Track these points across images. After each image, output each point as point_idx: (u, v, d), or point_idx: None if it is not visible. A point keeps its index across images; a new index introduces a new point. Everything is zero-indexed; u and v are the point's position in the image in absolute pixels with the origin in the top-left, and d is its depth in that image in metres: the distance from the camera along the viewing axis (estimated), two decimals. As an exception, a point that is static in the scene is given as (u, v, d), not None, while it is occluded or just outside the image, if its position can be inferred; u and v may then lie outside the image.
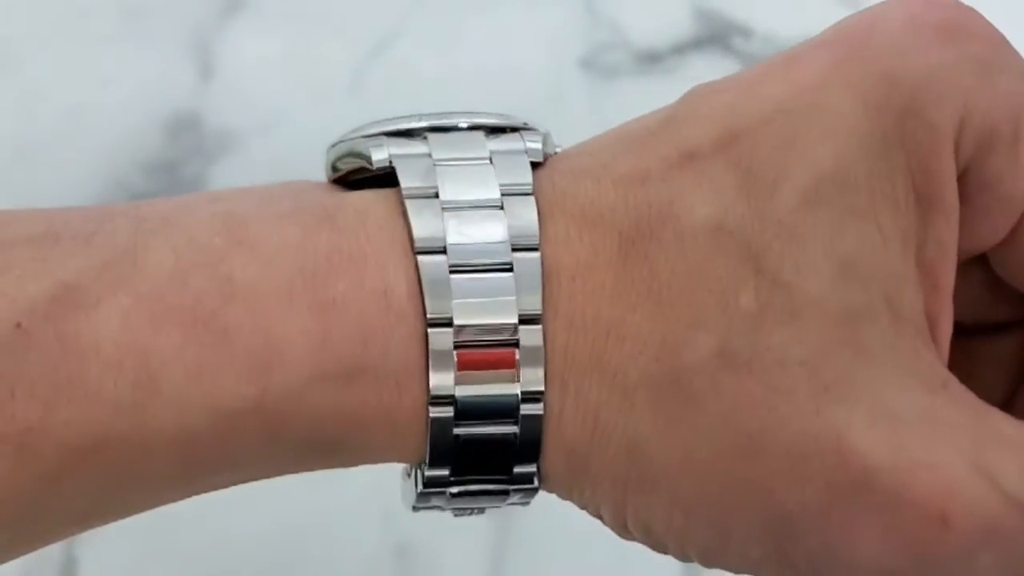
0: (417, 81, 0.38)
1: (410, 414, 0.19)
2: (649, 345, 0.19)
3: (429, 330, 0.19)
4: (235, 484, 0.20)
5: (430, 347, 0.19)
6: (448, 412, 0.19)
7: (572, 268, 0.20)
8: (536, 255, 0.19)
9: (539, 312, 0.19)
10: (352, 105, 0.38)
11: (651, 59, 0.40)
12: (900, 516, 0.18)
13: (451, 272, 0.19)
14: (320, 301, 0.19)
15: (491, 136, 0.21)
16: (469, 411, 0.19)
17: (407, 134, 0.20)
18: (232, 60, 0.38)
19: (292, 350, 0.19)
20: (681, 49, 0.40)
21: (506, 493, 0.20)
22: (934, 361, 0.19)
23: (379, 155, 0.20)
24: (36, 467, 0.18)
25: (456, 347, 0.19)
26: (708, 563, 0.20)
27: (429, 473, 0.20)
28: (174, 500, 0.20)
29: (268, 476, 0.20)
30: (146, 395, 0.18)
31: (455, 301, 0.19)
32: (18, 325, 0.18)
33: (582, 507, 0.21)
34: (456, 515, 0.22)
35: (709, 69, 0.20)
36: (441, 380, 0.19)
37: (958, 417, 0.19)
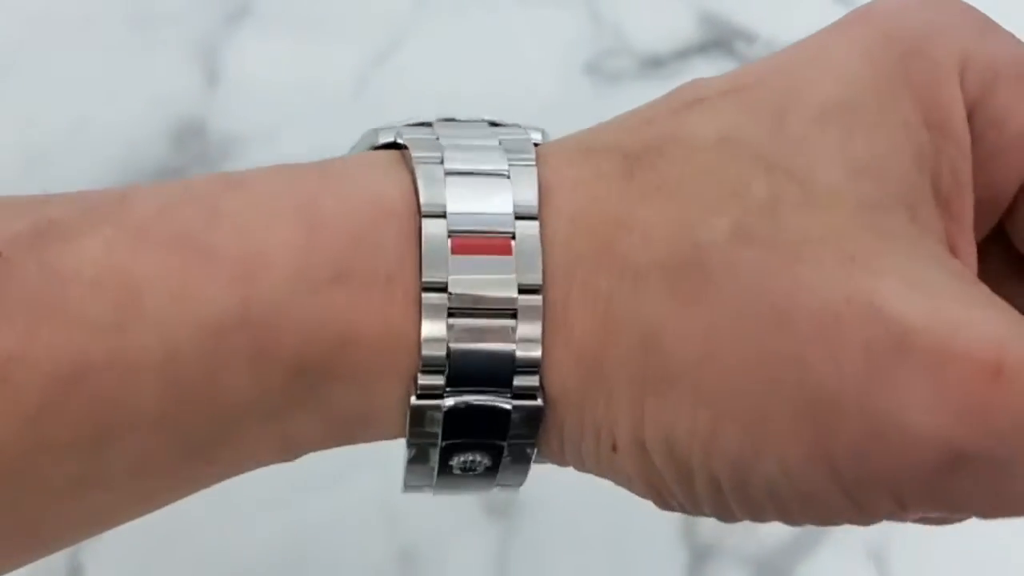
0: (421, 87, 0.38)
1: (402, 308, 0.18)
2: (660, 231, 0.18)
3: (423, 220, 0.19)
4: (229, 443, 0.19)
5: (423, 234, 0.18)
6: (442, 299, 0.18)
7: (573, 179, 0.19)
8: (533, 166, 0.19)
9: (535, 206, 0.19)
10: (356, 111, 0.38)
11: (655, 64, 0.40)
12: (950, 374, 0.16)
13: (446, 175, 0.19)
14: (308, 214, 0.19)
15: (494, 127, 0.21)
16: (463, 299, 0.18)
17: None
18: (237, 67, 0.38)
19: (277, 256, 0.18)
20: (685, 54, 0.40)
21: (507, 419, 0.19)
22: (960, 265, 0.18)
23: (386, 136, 0.20)
24: (20, 402, 0.17)
25: (450, 235, 0.18)
26: (738, 487, 0.18)
27: (423, 380, 0.19)
28: (166, 466, 0.19)
29: (261, 425, 0.19)
30: (128, 315, 0.18)
31: (449, 191, 0.19)
32: (3, 258, 0.18)
33: (596, 437, 0.19)
34: (456, 474, 0.20)
35: (713, 74, 0.20)
36: (435, 255, 0.18)
37: (991, 295, 0.18)
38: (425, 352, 0.18)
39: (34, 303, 0.17)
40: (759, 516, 0.19)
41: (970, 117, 0.19)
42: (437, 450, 0.19)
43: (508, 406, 0.19)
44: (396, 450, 0.20)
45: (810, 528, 0.37)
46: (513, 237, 0.19)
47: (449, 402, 0.19)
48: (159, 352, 0.18)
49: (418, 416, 0.19)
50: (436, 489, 0.21)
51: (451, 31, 0.39)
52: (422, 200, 0.19)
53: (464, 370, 0.19)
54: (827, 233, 0.18)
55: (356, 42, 0.39)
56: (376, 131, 0.20)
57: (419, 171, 0.19)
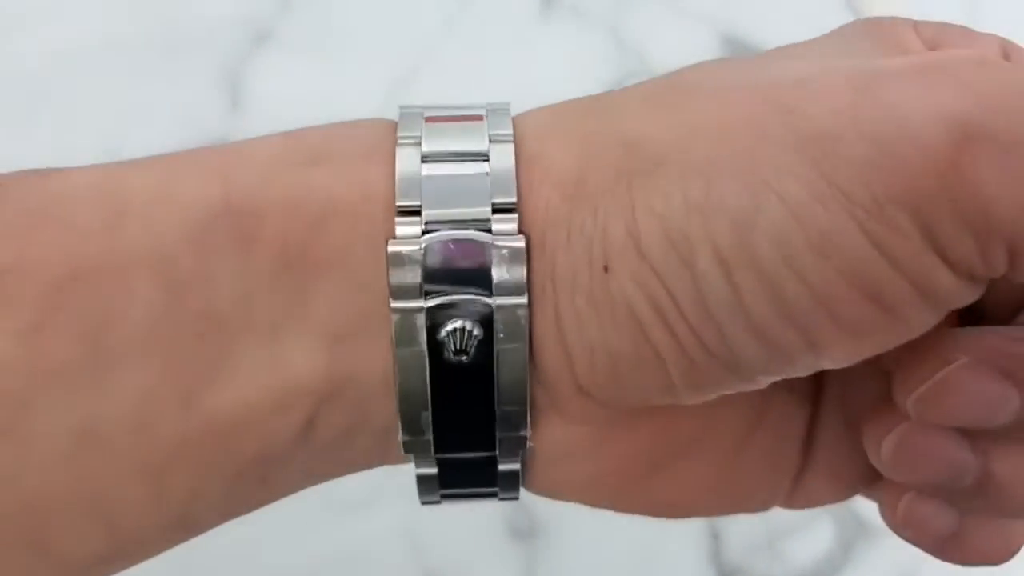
0: (444, 110, 0.39)
1: (379, 173, 0.18)
2: (638, 87, 0.19)
3: (401, 111, 0.19)
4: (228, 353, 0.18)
5: (400, 114, 0.19)
6: (416, 149, 0.18)
7: (548, 106, 0.20)
8: (507, 104, 0.20)
9: (507, 106, 0.19)
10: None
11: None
12: (938, 68, 0.17)
13: (425, 120, 0.19)
14: (287, 133, 0.19)
15: None
16: (435, 145, 0.18)
17: None
18: (261, 91, 0.39)
19: (255, 151, 0.19)
20: (707, 75, 0.40)
21: (488, 255, 0.18)
22: None
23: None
24: (18, 314, 0.17)
25: (425, 118, 0.19)
26: (744, 252, 0.17)
27: (401, 230, 0.18)
28: (164, 410, 0.18)
29: (254, 348, 0.18)
30: (117, 218, 0.18)
31: (428, 108, 0.19)
32: None
33: (588, 262, 0.18)
34: (450, 363, 0.18)
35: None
36: (409, 123, 0.19)
37: None
38: (399, 200, 0.18)
39: (28, 218, 0.18)
40: (782, 305, 0.17)
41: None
42: (423, 313, 0.18)
43: (488, 239, 0.18)
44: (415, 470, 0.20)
45: (839, 550, 0.36)
46: (485, 116, 0.19)
47: (427, 239, 0.18)
48: (148, 246, 0.18)
49: (399, 264, 0.18)
50: (434, 417, 0.19)
51: (474, 53, 0.40)
52: (400, 108, 0.19)
53: (440, 214, 0.18)
54: (798, 57, 0.19)
55: (379, 64, 0.39)
56: None
57: (400, 112, 0.20)
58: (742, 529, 0.36)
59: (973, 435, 0.19)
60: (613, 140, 0.18)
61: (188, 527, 0.19)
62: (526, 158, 0.18)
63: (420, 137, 0.19)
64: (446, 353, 0.18)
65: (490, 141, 0.19)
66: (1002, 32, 0.20)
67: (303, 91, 0.39)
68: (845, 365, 0.18)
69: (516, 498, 0.21)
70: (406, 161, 0.18)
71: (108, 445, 0.18)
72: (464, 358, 0.18)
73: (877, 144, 0.16)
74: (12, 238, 0.17)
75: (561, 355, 0.18)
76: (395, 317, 0.18)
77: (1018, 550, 0.21)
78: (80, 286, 0.17)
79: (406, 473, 0.20)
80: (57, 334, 0.17)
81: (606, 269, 0.18)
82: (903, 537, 0.21)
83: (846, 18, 0.41)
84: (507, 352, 0.18)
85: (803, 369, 0.18)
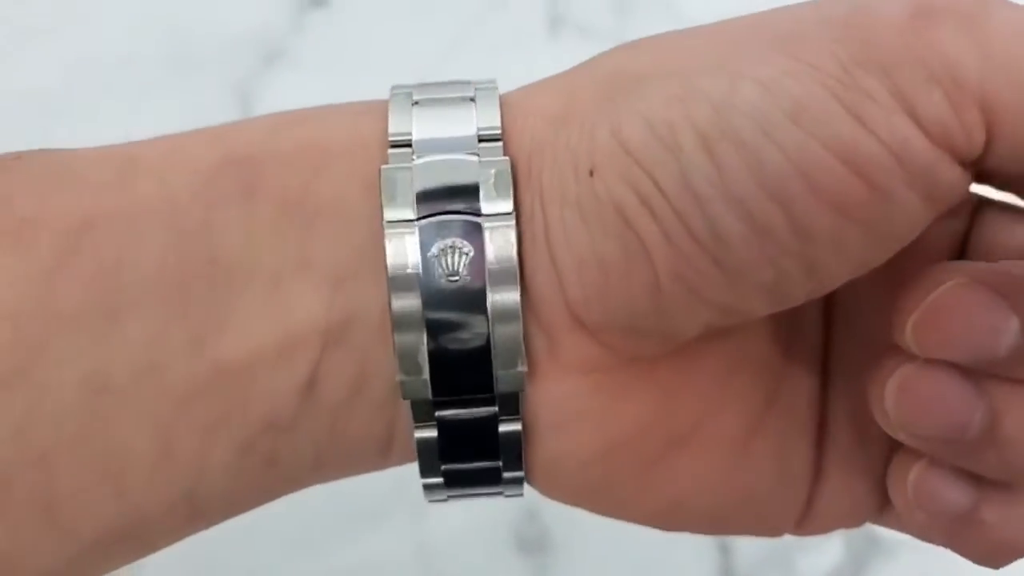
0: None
1: (372, 124, 0.19)
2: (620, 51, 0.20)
3: (391, 90, 0.20)
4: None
5: (391, 94, 0.20)
6: (407, 94, 0.20)
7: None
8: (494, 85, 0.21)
9: (493, 81, 0.20)
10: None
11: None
12: None
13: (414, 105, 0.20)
14: (281, 113, 0.20)
15: None
16: (426, 92, 0.20)
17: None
18: (272, 108, 0.39)
19: (254, 121, 0.20)
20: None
21: (475, 174, 0.19)
22: None
23: None
24: (34, 261, 0.18)
25: (415, 87, 0.20)
26: (728, 127, 0.17)
27: (392, 152, 0.19)
28: (172, 359, 0.18)
29: (259, 302, 0.18)
30: (128, 173, 0.19)
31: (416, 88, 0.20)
32: (18, 157, 0.19)
33: (574, 168, 0.18)
34: (442, 285, 0.18)
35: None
36: (400, 89, 0.20)
37: None
38: (391, 132, 0.19)
39: (48, 179, 0.19)
40: (765, 178, 0.17)
41: None
42: (415, 233, 0.18)
43: (475, 158, 0.19)
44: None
45: (850, 565, 0.36)
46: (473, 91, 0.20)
47: (418, 160, 0.19)
48: (159, 198, 0.19)
49: (390, 187, 0.18)
50: (431, 353, 0.19)
51: (483, 71, 0.40)
52: (391, 89, 0.20)
53: (429, 143, 0.19)
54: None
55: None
56: None
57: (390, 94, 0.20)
58: (752, 543, 0.36)
59: (979, 381, 0.18)
60: (595, 76, 0.19)
61: (194, 508, 0.19)
62: (510, 102, 0.20)
63: (411, 91, 0.20)
64: (439, 273, 0.18)
65: (476, 90, 0.20)
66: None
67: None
68: (840, 275, 0.18)
69: (521, 484, 0.20)
70: (398, 104, 0.20)
71: (118, 393, 0.18)
72: (456, 279, 0.18)
73: (840, 24, 0.17)
74: (32, 194, 0.19)
75: (552, 275, 0.19)
76: (388, 238, 0.18)
77: (1020, 551, 0.20)
78: (93, 233, 0.18)
79: (415, 486, 0.20)
80: (71, 278, 0.18)
81: (591, 173, 0.18)
82: (917, 527, 0.20)
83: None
84: (498, 272, 0.18)
85: (794, 271, 0.18)
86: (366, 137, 0.19)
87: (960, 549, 0.20)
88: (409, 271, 0.18)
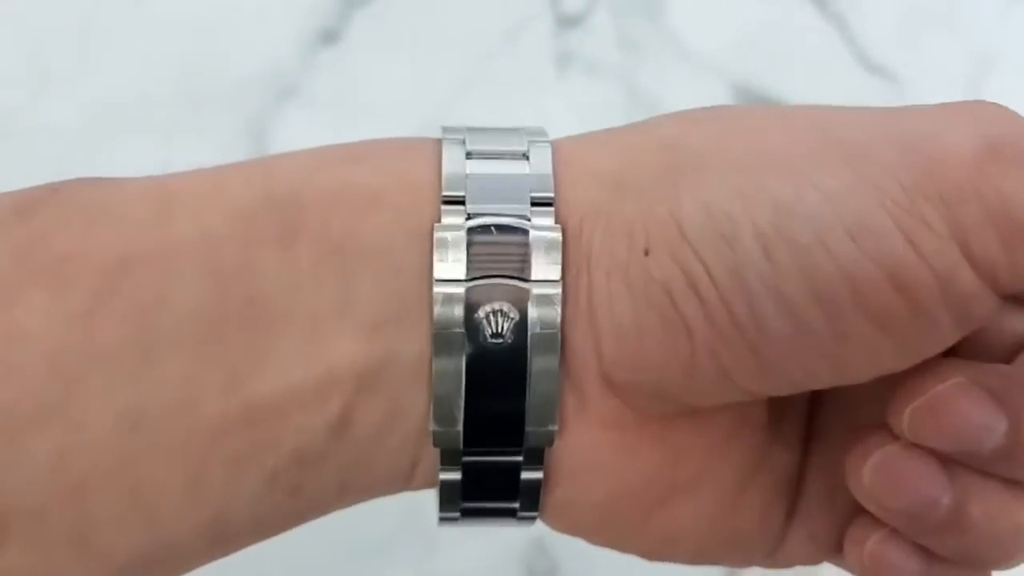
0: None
1: (420, 166, 0.19)
2: (664, 116, 0.20)
3: (444, 136, 0.20)
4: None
5: (444, 138, 0.20)
6: (461, 144, 0.20)
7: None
8: (542, 128, 0.21)
9: (546, 138, 0.20)
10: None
11: (691, 136, 0.41)
12: (961, 108, 0.18)
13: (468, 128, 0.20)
14: (328, 145, 0.20)
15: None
16: (477, 142, 0.20)
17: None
18: (285, 145, 0.40)
19: (295, 156, 0.20)
20: (720, 126, 0.41)
21: (526, 240, 0.19)
22: None
23: None
24: (72, 298, 0.18)
25: (468, 129, 0.20)
26: (784, 232, 0.18)
27: (446, 217, 0.19)
28: (208, 397, 0.18)
29: (297, 341, 0.18)
30: (166, 211, 0.19)
31: (467, 132, 0.20)
32: (55, 190, 0.19)
33: (628, 240, 0.19)
34: (484, 345, 0.19)
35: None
36: (452, 133, 0.20)
37: None
38: (445, 190, 0.19)
39: (85, 215, 0.19)
40: (814, 283, 0.18)
41: None
42: (463, 293, 0.19)
43: (527, 227, 0.19)
44: (435, 518, 0.20)
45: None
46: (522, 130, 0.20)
47: (471, 222, 0.19)
48: (196, 238, 0.19)
49: (442, 247, 0.19)
50: (467, 406, 0.19)
51: (493, 109, 0.41)
52: (442, 130, 0.20)
53: (483, 207, 0.19)
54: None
55: (400, 120, 0.40)
56: None
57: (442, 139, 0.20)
58: (759, 570, 0.36)
59: (953, 468, 0.20)
60: (652, 144, 0.19)
61: (220, 533, 0.19)
62: (564, 159, 0.20)
63: (464, 137, 0.20)
64: (482, 335, 0.19)
65: (529, 143, 0.20)
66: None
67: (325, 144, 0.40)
68: (862, 376, 0.19)
69: (534, 520, 0.21)
70: (451, 155, 0.19)
71: (152, 428, 0.18)
72: (500, 340, 0.19)
73: (908, 150, 0.18)
74: (70, 230, 0.18)
75: (589, 335, 0.19)
76: (436, 297, 0.19)
77: None
78: (130, 273, 0.18)
79: (425, 517, 0.21)
80: (108, 317, 0.18)
81: (647, 252, 0.18)
82: None
83: (856, 71, 0.41)
84: (540, 337, 0.19)
85: (823, 369, 0.19)
86: (414, 183, 0.19)
87: None
88: (455, 330, 0.19)
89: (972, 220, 0.17)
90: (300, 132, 0.40)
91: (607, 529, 0.21)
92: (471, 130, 0.20)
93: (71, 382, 0.18)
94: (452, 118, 0.40)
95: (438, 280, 0.19)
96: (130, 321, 0.18)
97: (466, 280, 0.19)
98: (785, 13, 0.42)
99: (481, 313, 0.19)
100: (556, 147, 0.20)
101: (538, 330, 0.19)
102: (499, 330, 0.19)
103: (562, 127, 0.21)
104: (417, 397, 0.19)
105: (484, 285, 0.19)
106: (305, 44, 0.40)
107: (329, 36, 0.40)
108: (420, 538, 0.33)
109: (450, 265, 0.19)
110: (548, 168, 0.19)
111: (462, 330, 0.19)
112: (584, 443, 0.20)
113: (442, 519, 0.21)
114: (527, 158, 0.20)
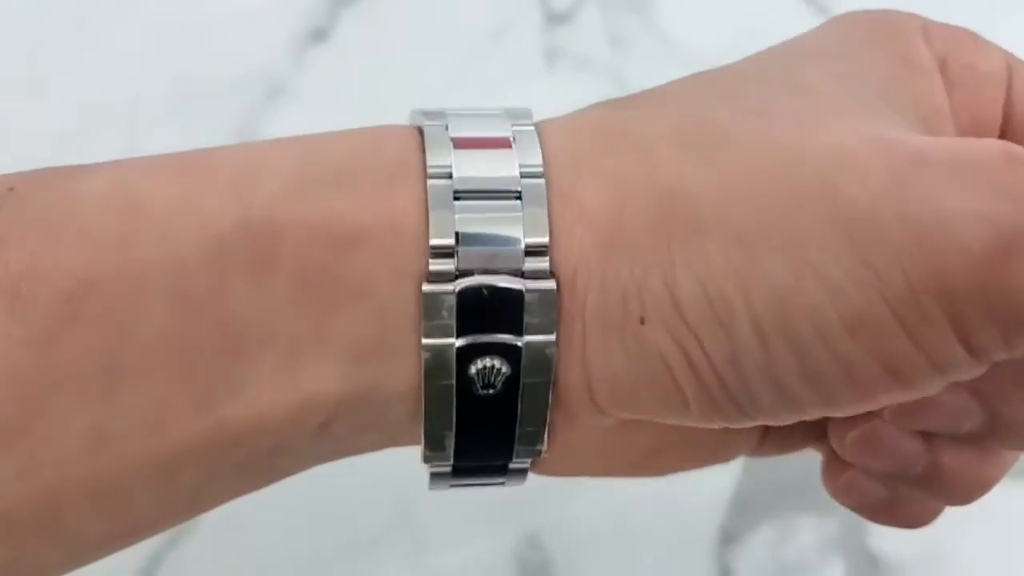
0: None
1: (406, 203, 0.18)
2: (665, 117, 0.19)
3: (425, 129, 0.19)
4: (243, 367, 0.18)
5: (425, 134, 0.19)
6: (447, 184, 0.18)
7: (566, 116, 0.20)
8: (528, 111, 0.20)
9: (530, 117, 0.19)
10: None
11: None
12: (970, 169, 0.17)
13: (447, 110, 0.20)
14: (306, 140, 0.19)
15: None
16: (467, 182, 0.18)
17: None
18: (276, 144, 0.40)
19: (276, 165, 0.18)
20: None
21: (520, 303, 0.18)
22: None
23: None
24: (33, 321, 0.17)
25: (452, 140, 0.19)
26: (782, 323, 0.17)
27: (434, 266, 0.18)
28: (178, 420, 0.18)
29: (271, 367, 0.18)
30: (133, 229, 0.18)
31: (450, 116, 0.19)
32: (11, 189, 0.18)
33: (623, 309, 0.18)
34: (477, 395, 0.19)
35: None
36: (438, 151, 0.18)
37: None
38: (433, 238, 0.18)
39: (44, 225, 0.18)
40: (809, 372, 0.18)
41: (942, 70, 0.20)
42: (453, 353, 0.18)
43: (520, 287, 0.18)
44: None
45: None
46: (513, 140, 0.19)
47: (461, 283, 0.18)
48: (164, 263, 0.17)
49: (431, 304, 0.18)
50: (457, 440, 0.19)
51: (483, 102, 0.41)
52: (424, 121, 0.19)
53: (473, 253, 0.18)
54: (825, 109, 0.18)
55: (389, 117, 0.40)
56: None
57: (420, 115, 0.20)
58: (753, 568, 0.36)
59: (930, 435, 0.21)
60: (648, 189, 0.18)
61: (195, 510, 0.20)
62: (558, 194, 0.18)
63: (450, 168, 0.18)
64: (474, 387, 0.19)
65: (521, 175, 0.19)
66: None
67: (316, 143, 0.40)
68: (853, 412, 0.19)
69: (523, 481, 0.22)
70: (438, 198, 0.18)
71: (121, 444, 0.18)
72: (491, 391, 0.19)
73: (915, 233, 0.17)
74: (27, 244, 0.17)
75: (581, 378, 0.19)
76: (426, 355, 0.18)
77: (937, 516, 0.23)
78: (94, 298, 0.17)
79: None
80: (70, 345, 0.17)
81: (642, 321, 0.18)
82: (839, 501, 0.23)
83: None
84: (532, 385, 0.19)
85: (808, 417, 0.19)
86: (399, 221, 0.18)
87: (871, 519, 0.23)
88: (445, 382, 0.18)
89: (976, 318, 0.17)
90: (290, 131, 0.40)
91: (592, 472, 0.23)
92: (457, 147, 0.19)
93: (33, 403, 0.17)
94: (442, 115, 0.41)
95: (427, 339, 0.18)
96: (93, 347, 0.17)
97: (456, 339, 0.18)
98: (775, 8, 0.42)
99: (473, 369, 0.18)
100: (547, 170, 0.19)
101: (531, 379, 0.19)
102: (491, 381, 0.19)
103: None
104: (401, 414, 0.19)
105: (476, 343, 0.18)
106: (295, 43, 0.40)
107: (318, 35, 0.41)
108: (413, 534, 0.33)
109: (441, 323, 0.18)
110: (543, 210, 0.18)
111: (452, 382, 0.19)
112: (571, 440, 0.21)
113: (433, 488, 0.21)
114: (520, 199, 0.18)
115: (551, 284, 0.18)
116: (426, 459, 0.20)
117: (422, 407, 0.19)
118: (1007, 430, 0.20)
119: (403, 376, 0.19)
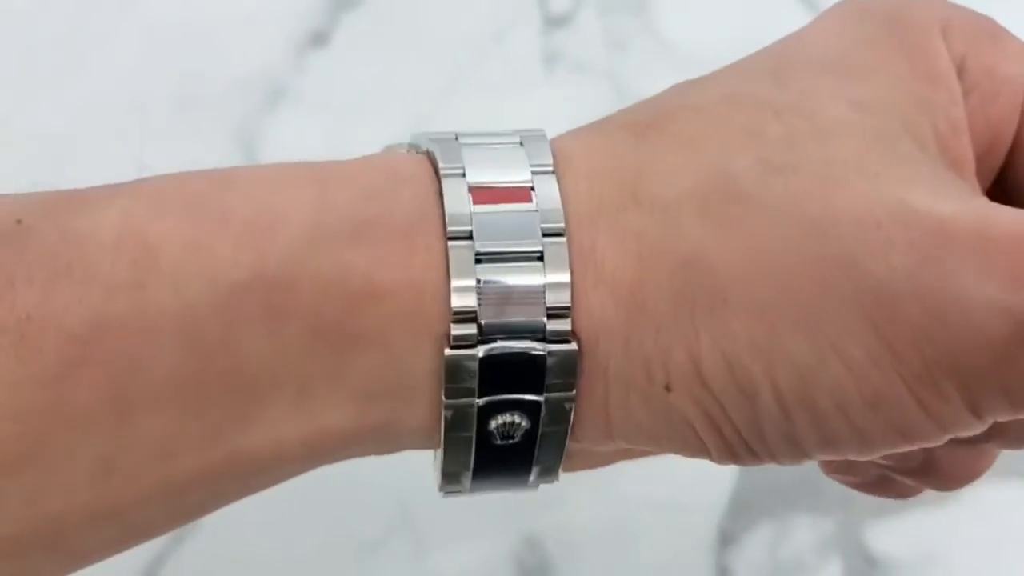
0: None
1: (425, 261, 0.18)
2: (685, 169, 0.18)
3: (442, 175, 0.18)
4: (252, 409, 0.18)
5: (443, 185, 0.18)
6: (469, 246, 0.18)
7: (586, 145, 0.19)
8: (545, 139, 0.19)
9: (550, 164, 0.19)
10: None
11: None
12: (993, 250, 0.17)
13: (462, 146, 0.19)
14: (321, 177, 0.18)
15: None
16: (488, 245, 0.18)
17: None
18: (275, 146, 0.40)
19: (291, 213, 0.18)
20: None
21: (543, 367, 0.18)
22: (971, 184, 0.19)
23: (401, 150, 0.21)
24: (40, 362, 0.17)
25: (470, 189, 0.18)
26: (804, 398, 0.18)
27: (456, 331, 0.18)
28: (188, 452, 0.18)
29: (283, 405, 0.18)
30: (144, 272, 0.17)
31: (466, 154, 0.19)
32: (19, 221, 0.18)
33: (647, 376, 0.18)
34: (495, 445, 0.19)
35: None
36: (457, 206, 0.18)
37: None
38: (456, 302, 0.18)
39: (51, 263, 0.17)
40: (827, 438, 0.18)
41: (959, 72, 0.19)
42: (475, 411, 0.18)
43: (543, 351, 0.18)
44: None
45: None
46: (532, 189, 0.19)
47: (483, 349, 0.18)
48: (176, 310, 0.17)
49: (453, 370, 0.18)
50: (474, 477, 0.19)
51: (481, 108, 0.41)
52: (440, 163, 0.18)
53: (496, 318, 0.18)
54: (847, 156, 0.18)
55: (390, 120, 0.40)
56: (391, 146, 0.21)
57: (435, 146, 0.19)
58: (751, 568, 0.36)
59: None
60: (670, 256, 0.18)
61: (197, 517, 0.20)
62: (578, 253, 0.18)
63: (471, 230, 0.18)
64: (493, 438, 0.19)
65: (543, 234, 0.18)
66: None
67: (316, 146, 0.40)
68: None
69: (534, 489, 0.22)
70: (460, 263, 0.18)
71: (129, 473, 0.18)
72: (510, 441, 0.19)
73: (935, 315, 0.17)
74: (35, 285, 0.17)
75: (603, 426, 0.19)
76: (447, 412, 0.18)
77: (923, 489, 0.23)
78: (104, 341, 0.17)
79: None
80: (79, 383, 0.17)
81: (668, 388, 0.18)
82: (833, 478, 0.23)
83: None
84: (550, 433, 0.19)
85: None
86: (418, 279, 0.18)
87: (859, 491, 0.23)
88: (465, 434, 0.19)
89: (990, 396, 0.17)
90: (291, 134, 0.40)
91: (585, 468, 0.23)
92: (478, 201, 0.18)
93: (40, 436, 0.17)
94: (441, 118, 0.41)
95: (449, 399, 0.18)
96: (102, 388, 0.17)
97: (477, 399, 0.18)
98: (772, 12, 0.42)
99: (493, 424, 0.19)
100: (568, 221, 0.18)
101: (549, 429, 0.19)
102: (510, 434, 0.19)
103: (550, 127, 0.21)
104: (416, 441, 0.19)
105: (496, 401, 0.19)
106: (295, 46, 0.41)
107: (319, 38, 0.41)
108: (413, 535, 0.33)
109: (463, 386, 0.18)
110: (566, 275, 0.18)
111: (472, 435, 0.19)
112: (582, 451, 0.21)
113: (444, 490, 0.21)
114: (542, 261, 0.18)
115: (573, 347, 0.18)
116: (443, 491, 0.20)
117: (441, 449, 0.19)
118: (1006, 434, 0.21)
119: (420, 415, 0.19)
